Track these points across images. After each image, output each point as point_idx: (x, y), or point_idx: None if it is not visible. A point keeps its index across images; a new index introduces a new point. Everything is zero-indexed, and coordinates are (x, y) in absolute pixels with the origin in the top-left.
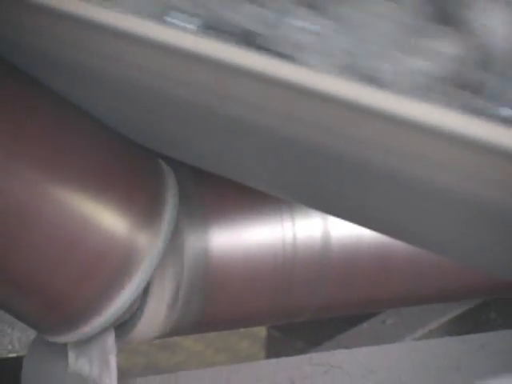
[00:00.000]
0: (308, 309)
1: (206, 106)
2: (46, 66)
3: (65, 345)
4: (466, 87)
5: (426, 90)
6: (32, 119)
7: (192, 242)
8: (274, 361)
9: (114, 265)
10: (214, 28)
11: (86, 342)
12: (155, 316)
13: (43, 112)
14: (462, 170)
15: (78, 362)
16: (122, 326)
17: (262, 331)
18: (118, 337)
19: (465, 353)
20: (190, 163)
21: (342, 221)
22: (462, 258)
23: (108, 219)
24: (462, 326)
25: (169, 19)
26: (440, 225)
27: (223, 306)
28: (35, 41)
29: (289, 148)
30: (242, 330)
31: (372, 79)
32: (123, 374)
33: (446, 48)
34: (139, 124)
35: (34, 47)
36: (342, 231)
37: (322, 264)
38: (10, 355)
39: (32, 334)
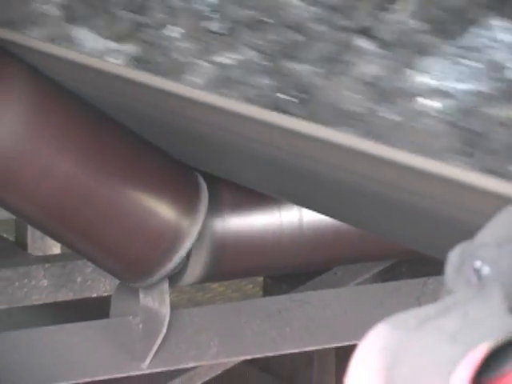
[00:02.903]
0: (290, 265)
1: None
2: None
3: (137, 289)
4: None
5: None
6: (117, 149)
7: (216, 225)
8: (267, 298)
9: (168, 240)
10: None
11: (150, 287)
12: (193, 270)
13: (125, 143)
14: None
15: (145, 300)
16: (173, 276)
17: (260, 279)
18: (170, 283)
19: (386, 294)
20: (217, 175)
21: (311, 211)
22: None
23: (164, 211)
24: (384, 276)
25: None
26: (394, 224)
27: (236, 264)
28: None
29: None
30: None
31: None
32: (173, 307)
33: None
34: (194, 154)
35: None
36: (311, 217)
37: (298, 238)
38: (104, 294)
39: (117, 281)
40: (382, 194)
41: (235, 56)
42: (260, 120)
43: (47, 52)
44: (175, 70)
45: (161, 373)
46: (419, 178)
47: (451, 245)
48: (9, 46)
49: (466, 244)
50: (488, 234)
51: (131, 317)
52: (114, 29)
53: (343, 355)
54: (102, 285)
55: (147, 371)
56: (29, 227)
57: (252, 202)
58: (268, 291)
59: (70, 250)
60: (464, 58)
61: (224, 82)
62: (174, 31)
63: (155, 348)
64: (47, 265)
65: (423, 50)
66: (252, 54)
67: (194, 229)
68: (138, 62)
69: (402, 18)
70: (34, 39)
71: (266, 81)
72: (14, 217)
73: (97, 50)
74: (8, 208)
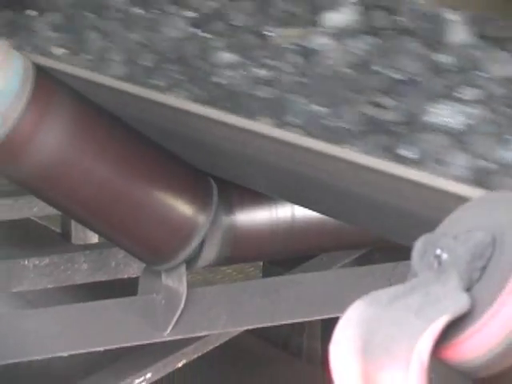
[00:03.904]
0: (284, 252)
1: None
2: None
3: (160, 271)
4: None
5: None
6: (145, 158)
7: (225, 219)
8: (266, 279)
9: (186, 231)
10: None
11: (171, 270)
12: (206, 256)
13: (151, 153)
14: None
15: (167, 280)
16: (190, 261)
17: (260, 263)
18: (187, 266)
19: (362, 276)
20: (226, 179)
21: (302, 208)
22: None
23: (183, 208)
24: (361, 261)
25: None
26: (368, 216)
27: (241, 251)
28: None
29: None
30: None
31: None
32: (189, 286)
33: None
34: (212, 161)
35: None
36: (301, 212)
37: (290, 229)
38: (133, 276)
39: (143, 265)
40: (362, 194)
41: None
42: (262, 134)
43: (87, 78)
44: None
45: (179, 340)
46: (393, 181)
47: (417, 235)
48: (58, 74)
49: (429, 235)
50: (446, 227)
51: (155, 294)
52: None
53: (328, 325)
54: (132, 268)
55: (168, 338)
56: (72, 221)
57: (254, 201)
58: (267, 273)
59: (105, 240)
60: None
61: None
62: None
63: (175, 320)
64: (87, 252)
65: None
66: None
67: (206, 222)
68: None
69: None
70: (77, 68)
71: None
72: (60, 213)
73: None
74: (55, 205)
